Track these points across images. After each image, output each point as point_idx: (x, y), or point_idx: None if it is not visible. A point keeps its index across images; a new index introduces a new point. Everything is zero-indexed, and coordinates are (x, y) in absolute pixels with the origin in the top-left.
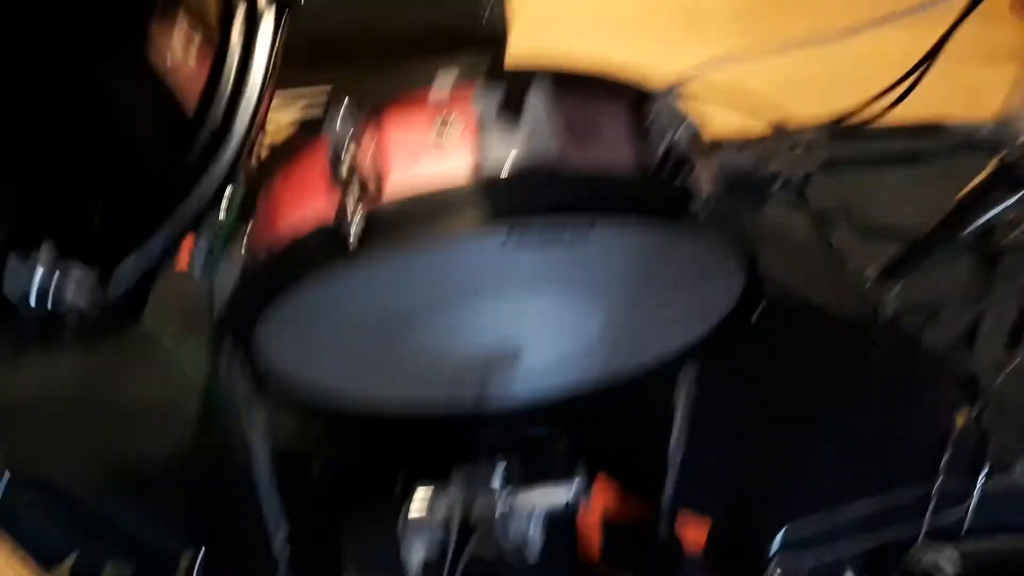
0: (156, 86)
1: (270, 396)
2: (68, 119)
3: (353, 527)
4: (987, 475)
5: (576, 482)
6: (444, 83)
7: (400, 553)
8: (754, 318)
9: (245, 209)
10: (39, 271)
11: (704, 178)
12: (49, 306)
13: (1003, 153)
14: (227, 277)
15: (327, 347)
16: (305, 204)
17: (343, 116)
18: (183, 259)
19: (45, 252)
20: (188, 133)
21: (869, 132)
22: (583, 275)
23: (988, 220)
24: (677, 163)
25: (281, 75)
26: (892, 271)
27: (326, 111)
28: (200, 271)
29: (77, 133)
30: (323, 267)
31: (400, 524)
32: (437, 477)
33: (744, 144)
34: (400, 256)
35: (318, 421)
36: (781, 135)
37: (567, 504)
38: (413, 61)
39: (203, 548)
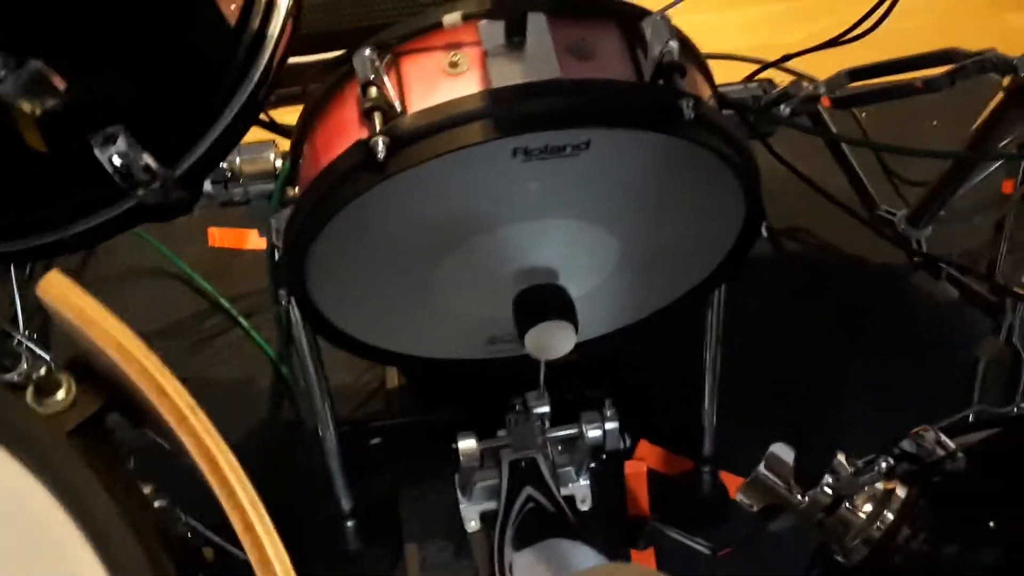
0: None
1: (327, 337)
2: (141, 37)
3: (411, 498)
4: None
5: (617, 429)
6: (452, 21)
7: (458, 512)
8: (763, 233)
9: (295, 157)
10: (118, 154)
11: (699, 83)
12: (125, 185)
13: (1013, 74)
14: (284, 219)
15: (372, 283)
16: (341, 140)
17: (366, 61)
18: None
19: (121, 138)
20: (232, 41)
21: (880, 65)
22: (593, 201)
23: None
24: (669, 70)
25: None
26: (923, 212)
27: (351, 58)
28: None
29: (148, 43)
30: (358, 184)
31: (456, 479)
32: (488, 427)
33: (749, 78)
34: (424, 170)
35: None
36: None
37: (612, 451)
38: (423, 9)
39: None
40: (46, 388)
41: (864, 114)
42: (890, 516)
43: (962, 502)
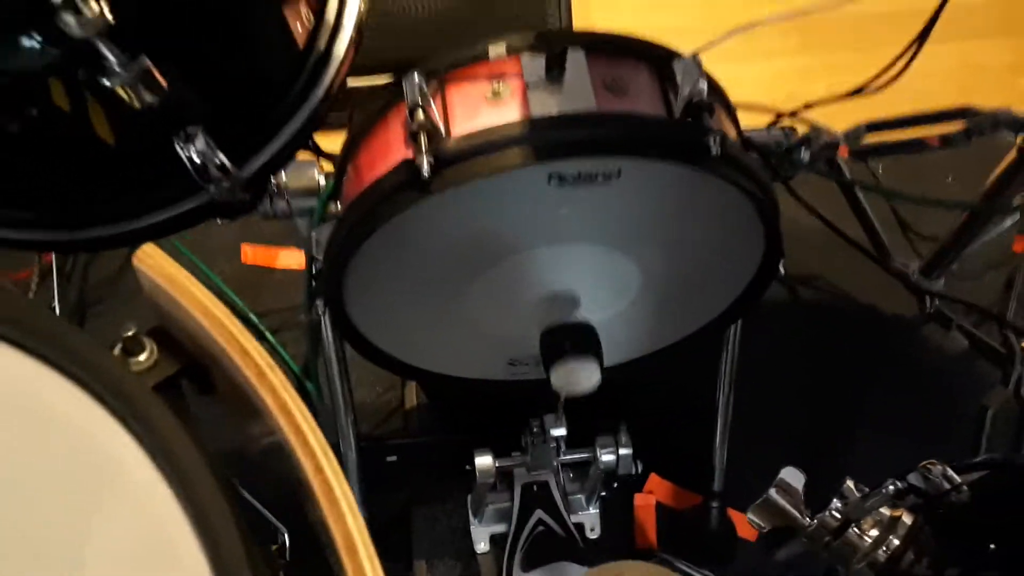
0: (280, 21)
1: (356, 348)
2: (223, 49)
3: (423, 516)
4: None
5: (630, 455)
6: (497, 53)
7: (469, 533)
8: (781, 271)
9: (339, 175)
10: (197, 151)
11: (725, 123)
12: (199, 180)
13: None
14: (326, 233)
15: (404, 297)
16: (386, 159)
17: (415, 85)
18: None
19: (200, 138)
20: (300, 59)
21: (898, 120)
22: (620, 229)
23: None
24: (698, 108)
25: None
26: (935, 265)
27: (399, 82)
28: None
29: (231, 57)
30: (402, 200)
31: (468, 500)
32: (503, 450)
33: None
34: (465, 190)
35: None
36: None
37: (623, 481)
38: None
39: (286, 533)
40: (131, 348)
41: (881, 168)
42: (895, 541)
43: (965, 531)
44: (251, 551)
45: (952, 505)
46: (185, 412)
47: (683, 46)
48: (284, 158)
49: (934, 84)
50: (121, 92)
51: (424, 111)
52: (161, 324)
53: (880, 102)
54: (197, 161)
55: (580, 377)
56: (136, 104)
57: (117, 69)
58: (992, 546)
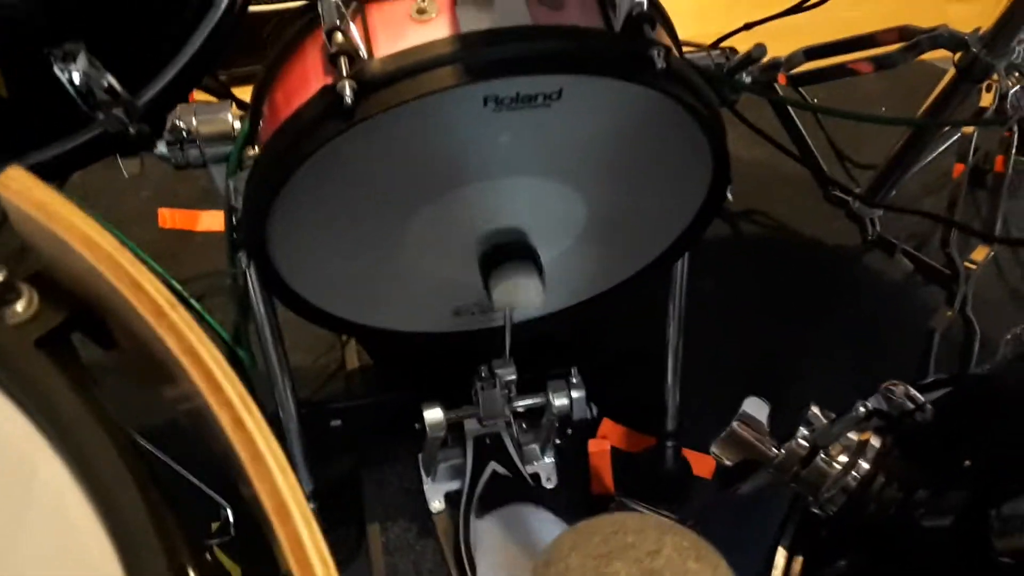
0: None
1: (288, 304)
2: None
3: (373, 479)
4: (976, 363)
5: (584, 398)
6: None
7: (423, 490)
8: (728, 197)
9: (255, 116)
10: (79, 71)
11: (666, 39)
12: (85, 106)
13: (964, 50)
14: (243, 180)
15: (336, 244)
16: (304, 90)
17: (332, 7)
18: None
19: (82, 56)
20: None
21: (836, 44)
22: (563, 158)
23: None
24: (639, 21)
25: None
26: (875, 191)
27: (314, 5)
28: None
29: None
30: (324, 131)
31: (420, 456)
32: (452, 405)
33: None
34: (393, 117)
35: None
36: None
37: (575, 424)
38: None
39: (229, 507)
40: (5, 297)
41: (816, 100)
42: (865, 465)
43: (932, 451)
44: (163, 524)
45: (917, 425)
46: (76, 367)
47: None
48: (184, 85)
49: (861, 12)
50: None
51: (343, 33)
52: (41, 266)
53: (810, 33)
54: (78, 82)
55: (522, 289)
56: None
57: None
58: (967, 463)
